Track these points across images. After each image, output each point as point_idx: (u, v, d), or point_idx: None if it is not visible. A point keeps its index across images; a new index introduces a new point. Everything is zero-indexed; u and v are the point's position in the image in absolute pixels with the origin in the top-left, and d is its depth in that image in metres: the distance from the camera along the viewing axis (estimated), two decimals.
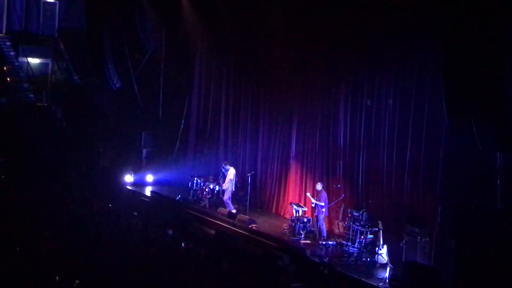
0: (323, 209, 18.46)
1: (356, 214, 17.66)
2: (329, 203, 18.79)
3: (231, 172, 21.48)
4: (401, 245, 16.04)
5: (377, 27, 17.88)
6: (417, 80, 16.96)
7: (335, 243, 17.96)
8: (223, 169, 22.16)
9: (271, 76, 22.36)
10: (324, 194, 18.63)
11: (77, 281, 11.69)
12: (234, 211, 20.92)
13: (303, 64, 20.96)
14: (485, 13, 13.65)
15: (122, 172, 25.59)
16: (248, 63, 23.38)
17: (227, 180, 21.51)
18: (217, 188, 22.52)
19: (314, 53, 20.41)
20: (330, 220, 19.29)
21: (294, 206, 19.55)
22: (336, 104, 19.62)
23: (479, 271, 14.13)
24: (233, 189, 21.58)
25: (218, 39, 24.91)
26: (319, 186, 18.81)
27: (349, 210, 18.14)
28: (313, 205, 18.85)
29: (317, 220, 18.65)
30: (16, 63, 30.02)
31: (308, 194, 19.56)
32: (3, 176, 23.49)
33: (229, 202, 21.40)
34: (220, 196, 22.15)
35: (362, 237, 16.97)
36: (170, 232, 16.13)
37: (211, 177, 22.97)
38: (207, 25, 25.30)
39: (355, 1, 18.43)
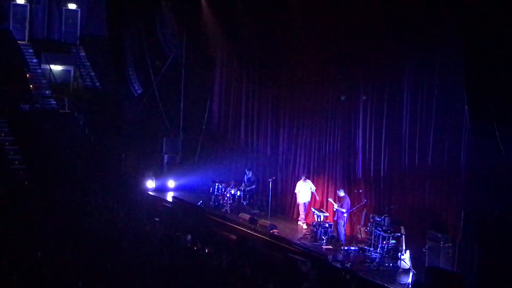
0: (345, 215, 18.41)
1: (378, 219, 17.55)
2: (350, 209, 18.71)
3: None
4: (424, 250, 15.96)
5: (398, 31, 17.83)
6: (439, 83, 16.85)
7: (357, 248, 17.87)
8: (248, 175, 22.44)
9: (291, 81, 22.34)
10: (347, 200, 18.56)
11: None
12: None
13: (322, 69, 20.92)
14: (508, 14, 13.55)
15: (144, 177, 25.66)
16: (268, 68, 23.37)
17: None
18: (238, 193, 22.54)
19: (333, 58, 20.38)
20: (352, 225, 19.21)
21: (316, 211, 19.49)
22: (357, 109, 19.55)
23: (503, 277, 14.00)
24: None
25: (238, 45, 24.93)
26: (341, 193, 18.75)
27: (371, 215, 18.03)
28: (334, 209, 18.81)
29: (337, 225, 18.62)
30: (39, 70, 30.33)
31: (330, 199, 19.54)
32: (26, 183, 23.65)
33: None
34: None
35: (384, 242, 16.87)
36: (189, 237, 16.15)
37: (232, 182, 22.95)
38: (227, 31, 25.33)
39: (376, 4, 18.41)
